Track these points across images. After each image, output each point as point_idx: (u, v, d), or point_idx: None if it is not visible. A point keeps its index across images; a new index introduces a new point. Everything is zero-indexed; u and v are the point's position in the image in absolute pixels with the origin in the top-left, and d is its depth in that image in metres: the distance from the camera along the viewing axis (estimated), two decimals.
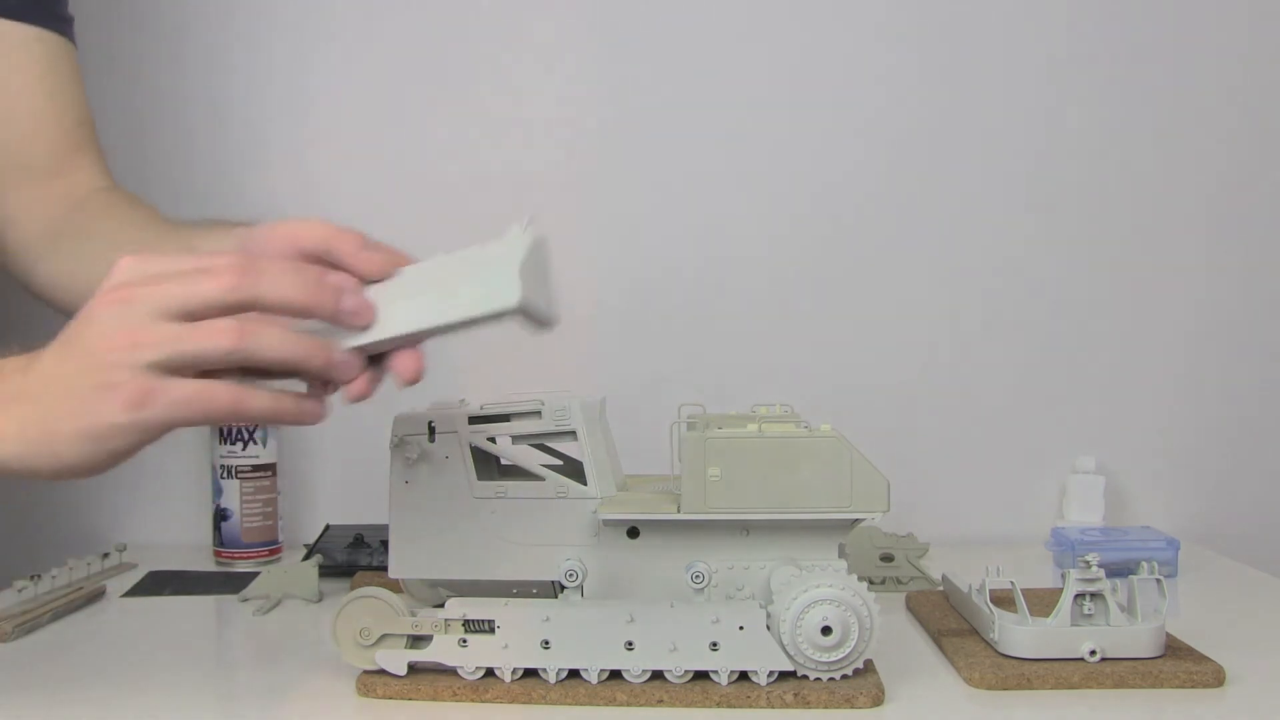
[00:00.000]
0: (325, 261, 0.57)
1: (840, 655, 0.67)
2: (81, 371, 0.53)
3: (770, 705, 0.66)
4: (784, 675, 0.67)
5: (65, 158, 0.88)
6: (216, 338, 0.52)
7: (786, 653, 0.67)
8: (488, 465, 0.72)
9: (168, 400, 0.52)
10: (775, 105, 1.17)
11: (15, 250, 0.87)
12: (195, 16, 1.15)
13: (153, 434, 0.53)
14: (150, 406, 0.52)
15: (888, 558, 0.94)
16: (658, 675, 0.68)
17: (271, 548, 1.08)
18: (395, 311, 0.55)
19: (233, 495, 1.06)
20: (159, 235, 0.82)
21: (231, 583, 0.99)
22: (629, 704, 0.67)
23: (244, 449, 1.06)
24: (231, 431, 1.06)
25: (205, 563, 1.07)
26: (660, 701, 0.67)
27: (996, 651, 0.73)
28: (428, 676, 0.69)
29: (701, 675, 0.68)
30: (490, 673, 0.68)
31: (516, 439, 0.71)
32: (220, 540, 1.07)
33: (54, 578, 0.92)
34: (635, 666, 0.67)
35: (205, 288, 0.52)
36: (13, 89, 0.86)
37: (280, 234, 0.59)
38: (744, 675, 0.67)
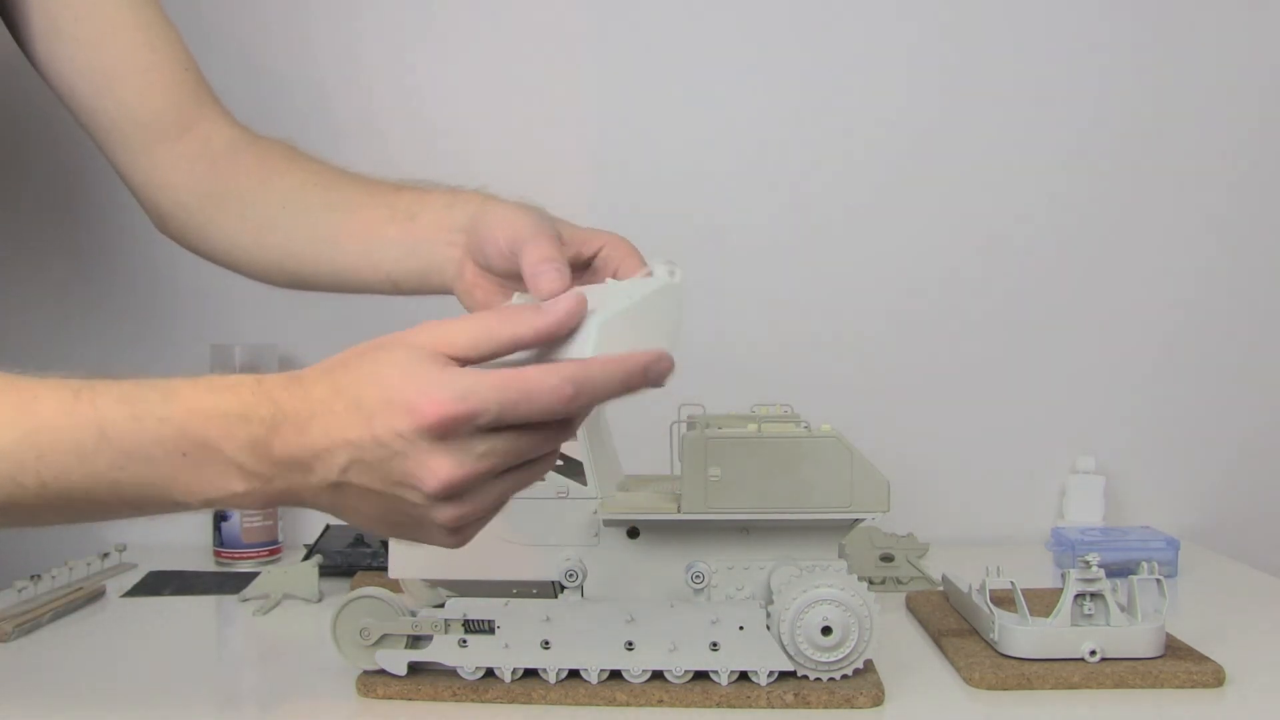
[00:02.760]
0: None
1: (840, 655, 0.67)
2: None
3: (770, 705, 0.66)
4: (784, 675, 0.67)
5: (186, 109, 0.83)
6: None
7: (786, 653, 0.67)
8: None
9: (485, 525, 0.56)
10: (776, 106, 1.17)
11: (172, 214, 0.84)
12: None
13: None
14: (473, 535, 0.55)
15: (888, 558, 0.94)
16: (658, 675, 0.68)
17: (271, 548, 1.08)
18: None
19: None
20: (353, 197, 0.78)
21: (231, 583, 0.99)
22: (629, 704, 0.67)
23: None
24: None
25: (205, 563, 1.07)
26: (660, 701, 0.67)
27: (996, 651, 0.73)
28: (428, 676, 0.69)
29: (701, 675, 0.68)
30: (490, 673, 0.68)
31: None
32: (220, 540, 1.07)
33: (54, 578, 0.92)
34: (635, 666, 0.67)
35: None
36: (115, 44, 0.81)
37: (499, 233, 0.65)
38: (744, 675, 0.67)
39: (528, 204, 0.70)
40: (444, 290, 0.74)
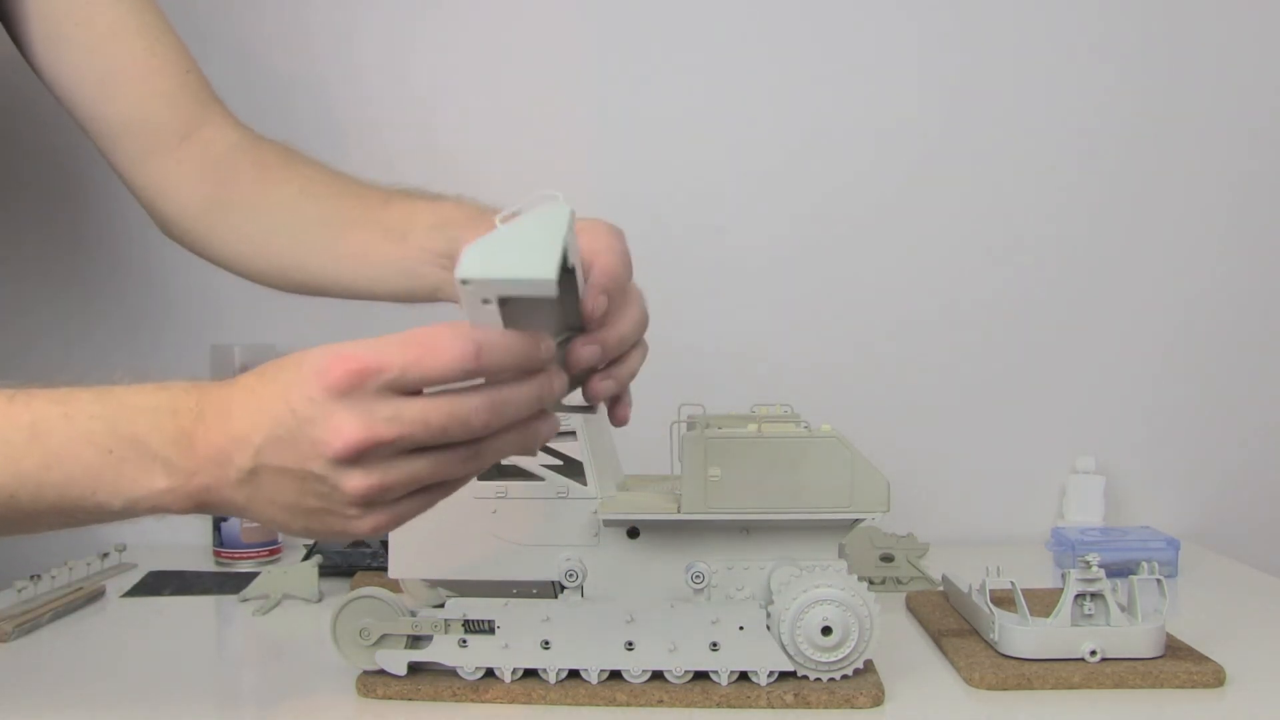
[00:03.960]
0: None
1: (840, 655, 0.67)
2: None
3: (770, 705, 0.66)
4: (784, 675, 0.67)
5: (188, 114, 0.82)
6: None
7: (786, 653, 0.67)
8: None
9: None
10: (781, 107, 1.16)
11: (175, 220, 0.83)
12: None
13: None
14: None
15: (888, 558, 0.94)
16: (658, 675, 0.68)
17: (271, 548, 1.08)
18: None
19: None
20: (346, 210, 0.78)
21: (231, 583, 0.99)
22: (629, 704, 0.67)
23: None
24: None
25: (205, 563, 1.07)
26: (660, 701, 0.67)
27: (996, 651, 0.73)
28: (428, 676, 0.69)
29: (701, 675, 0.68)
30: (490, 673, 0.68)
31: None
32: (220, 540, 1.07)
33: (54, 578, 0.92)
34: (635, 666, 0.67)
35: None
36: (116, 49, 0.80)
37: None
38: (744, 675, 0.67)
39: None
40: (451, 300, 0.73)
